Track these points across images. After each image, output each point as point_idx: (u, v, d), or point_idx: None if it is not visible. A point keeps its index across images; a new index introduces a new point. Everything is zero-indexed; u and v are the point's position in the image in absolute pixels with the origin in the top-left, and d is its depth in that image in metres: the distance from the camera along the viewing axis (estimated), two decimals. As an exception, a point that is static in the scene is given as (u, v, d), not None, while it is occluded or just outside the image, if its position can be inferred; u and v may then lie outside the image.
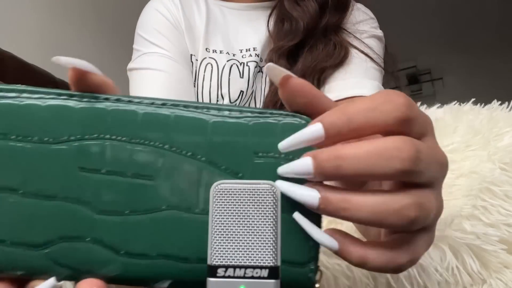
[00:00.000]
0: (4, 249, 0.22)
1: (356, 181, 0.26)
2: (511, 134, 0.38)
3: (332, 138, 0.20)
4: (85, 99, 0.23)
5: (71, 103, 0.22)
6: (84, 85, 0.22)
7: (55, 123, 0.22)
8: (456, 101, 0.45)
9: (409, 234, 0.21)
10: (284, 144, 0.21)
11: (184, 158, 0.22)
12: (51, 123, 0.22)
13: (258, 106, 0.70)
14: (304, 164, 0.20)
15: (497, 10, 2.56)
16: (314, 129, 0.20)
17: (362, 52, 0.66)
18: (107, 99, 0.23)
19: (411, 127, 0.20)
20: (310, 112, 0.22)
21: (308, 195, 0.20)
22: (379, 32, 0.73)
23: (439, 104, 0.45)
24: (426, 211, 0.20)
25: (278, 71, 0.22)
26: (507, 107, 0.43)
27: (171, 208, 0.22)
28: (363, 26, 0.71)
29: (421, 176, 0.19)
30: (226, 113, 0.23)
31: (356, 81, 0.62)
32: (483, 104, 0.44)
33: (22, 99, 0.22)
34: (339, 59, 0.64)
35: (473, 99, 0.44)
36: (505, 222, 0.33)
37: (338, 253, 0.21)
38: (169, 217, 0.22)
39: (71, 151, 0.22)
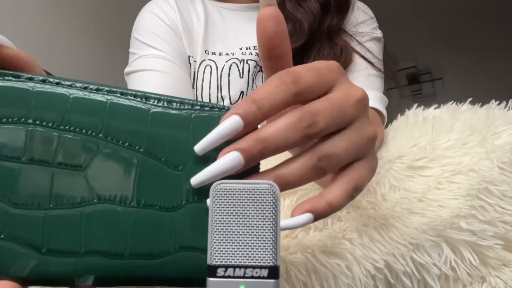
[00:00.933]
0: None
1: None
2: (509, 133, 0.38)
3: (249, 125, 0.22)
4: (4, 77, 0.20)
5: None
6: None
7: None
8: (454, 101, 0.45)
9: (347, 169, 0.25)
10: (202, 145, 0.22)
11: (121, 148, 0.21)
12: None
13: None
14: (233, 159, 0.22)
15: (497, 10, 2.55)
16: (233, 121, 0.22)
17: (364, 57, 0.67)
18: (30, 78, 0.20)
19: (306, 96, 0.23)
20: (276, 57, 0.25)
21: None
22: (379, 33, 0.73)
23: (436, 105, 0.46)
24: (342, 151, 0.24)
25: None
26: (505, 106, 0.43)
27: (104, 201, 0.21)
28: (363, 27, 0.71)
29: (327, 130, 0.23)
30: (166, 104, 0.22)
31: None
32: (480, 103, 0.44)
33: None
34: (345, 64, 0.65)
35: (470, 99, 0.45)
36: (501, 219, 0.34)
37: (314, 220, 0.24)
38: (101, 211, 0.21)
39: None
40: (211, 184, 0.21)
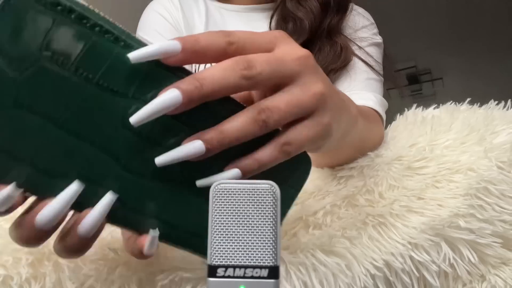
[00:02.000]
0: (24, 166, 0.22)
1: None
2: (508, 132, 0.38)
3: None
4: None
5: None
6: None
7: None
8: (454, 101, 0.45)
9: (285, 128, 0.25)
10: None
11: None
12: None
13: None
14: (172, 96, 0.22)
15: (497, 10, 2.55)
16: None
17: (364, 61, 0.67)
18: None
19: (240, 52, 0.24)
20: None
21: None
22: (379, 39, 0.74)
23: (436, 105, 0.46)
24: (281, 108, 0.24)
25: None
26: (504, 106, 0.43)
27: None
28: (363, 33, 0.72)
29: (265, 79, 0.24)
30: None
31: (360, 94, 0.63)
32: (479, 103, 0.44)
33: None
34: (344, 62, 0.65)
35: (469, 99, 0.45)
36: (499, 218, 0.34)
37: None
38: None
39: (128, 104, 0.23)
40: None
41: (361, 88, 0.65)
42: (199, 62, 0.25)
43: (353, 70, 0.66)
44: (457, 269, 0.33)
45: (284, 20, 0.69)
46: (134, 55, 0.22)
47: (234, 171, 0.24)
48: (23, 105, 0.21)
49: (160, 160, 0.23)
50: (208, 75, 0.23)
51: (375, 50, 0.71)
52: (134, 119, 0.22)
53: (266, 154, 0.24)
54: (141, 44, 0.23)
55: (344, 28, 0.70)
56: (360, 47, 0.69)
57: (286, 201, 0.28)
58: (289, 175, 0.28)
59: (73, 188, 0.23)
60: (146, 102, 0.22)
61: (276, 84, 0.25)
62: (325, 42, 0.66)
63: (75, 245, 0.24)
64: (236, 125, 0.23)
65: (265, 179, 0.21)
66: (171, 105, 0.22)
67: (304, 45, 0.66)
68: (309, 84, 0.25)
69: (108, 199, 0.23)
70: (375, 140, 0.43)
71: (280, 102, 0.24)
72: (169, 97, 0.22)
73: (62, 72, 0.22)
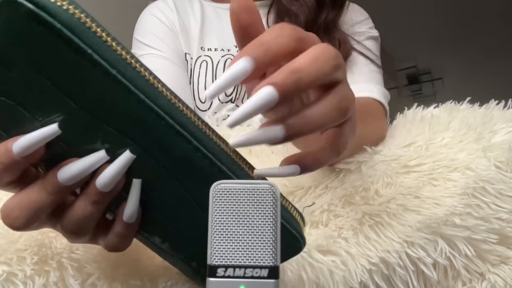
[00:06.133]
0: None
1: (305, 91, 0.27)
2: (506, 131, 0.38)
3: (258, 69, 0.22)
4: None
5: None
6: None
7: None
8: (452, 101, 0.45)
9: (336, 128, 0.25)
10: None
11: None
12: None
13: None
14: (267, 94, 0.21)
15: (497, 10, 2.55)
16: (243, 64, 0.21)
17: (364, 55, 0.68)
18: None
19: (306, 43, 0.23)
20: (251, 36, 0.24)
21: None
22: (375, 33, 0.75)
23: (436, 104, 0.46)
24: (351, 98, 0.24)
25: None
26: (504, 106, 0.43)
27: None
28: (360, 27, 0.73)
29: (341, 71, 0.24)
30: None
31: (364, 86, 0.64)
32: (479, 103, 0.44)
33: None
34: (344, 57, 0.66)
35: (468, 98, 0.45)
36: (496, 216, 0.34)
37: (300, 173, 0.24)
38: None
39: None
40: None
41: (365, 80, 0.66)
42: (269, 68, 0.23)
43: (354, 64, 0.67)
44: (455, 263, 0.33)
45: (279, 16, 0.69)
46: (209, 93, 0.22)
47: (294, 167, 0.24)
48: None
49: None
50: (304, 66, 0.21)
51: (372, 43, 0.72)
52: (229, 122, 0.22)
53: (324, 148, 0.25)
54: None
55: (341, 24, 0.71)
56: (358, 42, 0.69)
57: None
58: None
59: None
60: None
61: (334, 81, 0.24)
62: (323, 38, 0.67)
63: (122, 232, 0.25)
64: (319, 110, 0.23)
65: None
66: (266, 105, 0.21)
67: None
68: (344, 91, 0.25)
69: (127, 155, 0.23)
70: (372, 139, 0.43)
71: (350, 94, 0.24)
72: (263, 94, 0.21)
73: None
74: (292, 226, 0.26)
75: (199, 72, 0.71)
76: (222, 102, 0.70)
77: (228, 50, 0.72)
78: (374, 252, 0.33)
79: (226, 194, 0.21)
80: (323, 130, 0.24)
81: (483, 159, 0.36)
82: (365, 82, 0.65)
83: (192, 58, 0.72)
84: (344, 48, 0.66)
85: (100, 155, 0.23)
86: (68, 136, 0.23)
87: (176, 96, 0.24)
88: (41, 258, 0.29)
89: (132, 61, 0.22)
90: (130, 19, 0.82)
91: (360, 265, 0.32)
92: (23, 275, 0.28)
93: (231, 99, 0.70)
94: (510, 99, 0.44)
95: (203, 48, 0.73)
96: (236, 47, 0.73)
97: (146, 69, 0.23)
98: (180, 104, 0.23)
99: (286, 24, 0.23)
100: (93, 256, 0.30)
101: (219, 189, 0.21)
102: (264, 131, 0.22)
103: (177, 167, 0.24)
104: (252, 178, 0.25)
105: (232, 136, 0.23)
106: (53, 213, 0.25)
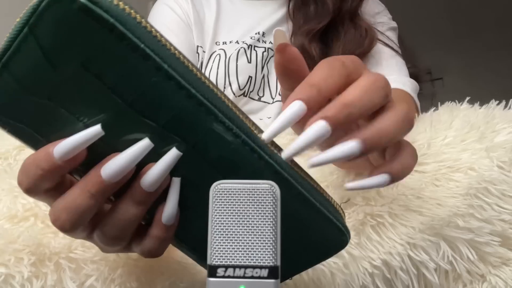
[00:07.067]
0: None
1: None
2: (508, 131, 0.38)
3: (311, 109, 0.22)
4: None
5: None
6: None
7: None
8: (452, 101, 0.45)
9: (397, 144, 0.25)
10: (270, 133, 0.23)
11: None
12: None
13: (273, 90, 0.71)
14: (321, 128, 0.21)
15: (497, 10, 2.55)
16: (297, 107, 0.22)
17: (389, 46, 0.68)
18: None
19: (354, 77, 0.24)
20: (296, 78, 0.24)
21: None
22: (394, 23, 0.75)
23: (435, 108, 0.46)
24: (412, 112, 0.24)
25: (283, 37, 0.23)
26: (505, 106, 0.43)
27: None
28: (381, 17, 0.73)
29: (390, 97, 0.24)
30: None
31: (396, 78, 0.64)
32: (479, 103, 0.44)
33: None
34: (370, 46, 0.66)
35: (468, 98, 0.45)
36: (499, 218, 0.34)
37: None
38: None
39: None
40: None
41: (397, 72, 0.66)
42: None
43: (379, 55, 0.67)
44: (457, 267, 0.33)
45: (305, 3, 0.68)
46: (267, 136, 0.23)
47: (382, 177, 0.24)
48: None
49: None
50: (355, 99, 0.22)
51: (393, 34, 0.73)
52: (285, 155, 0.23)
53: (406, 158, 0.25)
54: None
55: (363, 14, 0.71)
56: (381, 32, 0.69)
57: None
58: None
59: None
60: None
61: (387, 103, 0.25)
62: (349, 26, 0.66)
63: (160, 235, 0.25)
64: (391, 123, 0.23)
65: None
66: (320, 138, 0.21)
67: (326, 30, 0.66)
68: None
69: (174, 152, 0.22)
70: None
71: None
72: (317, 128, 0.21)
73: None
74: (337, 219, 0.26)
75: (212, 66, 0.70)
76: (236, 96, 0.69)
77: (243, 42, 0.72)
78: (376, 254, 0.33)
79: (226, 194, 0.20)
80: (395, 141, 0.24)
81: (486, 160, 0.36)
82: (396, 75, 0.65)
83: (204, 52, 0.71)
84: (371, 37, 0.66)
85: (144, 144, 0.22)
86: (111, 137, 0.22)
87: (219, 90, 0.23)
88: (39, 258, 0.29)
89: (181, 56, 0.22)
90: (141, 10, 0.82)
91: (362, 268, 0.32)
92: (21, 277, 0.28)
93: (244, 92, 0.70)
94: (511, 100, 0.44)
95: (217, 43, 0.72)
96: (251, 38, 0.72)
97: (193, 64, 0.22)
98: (226, 100, 0.23)
99: (333, 61, 0.23)
100: (91, 256, 0.30)
101: (219, 189, 0.21)
102: (341, 147, 0.22)
103: (223, 162, 0.23)
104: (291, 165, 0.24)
105: (308, 156, 0.23)
106: (90, 220, 0.24)
